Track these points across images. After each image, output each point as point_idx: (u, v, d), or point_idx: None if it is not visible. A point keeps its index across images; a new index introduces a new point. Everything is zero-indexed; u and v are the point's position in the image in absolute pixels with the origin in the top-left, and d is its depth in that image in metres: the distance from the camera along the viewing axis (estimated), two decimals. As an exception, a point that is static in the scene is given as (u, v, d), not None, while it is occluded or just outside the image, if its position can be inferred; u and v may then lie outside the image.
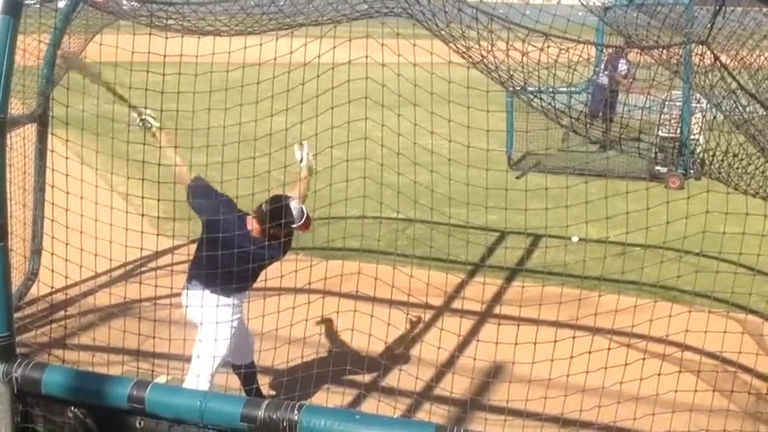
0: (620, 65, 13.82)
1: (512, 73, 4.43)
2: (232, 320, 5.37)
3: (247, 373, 5.80)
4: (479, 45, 4.31)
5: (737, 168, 4.46)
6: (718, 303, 6.33)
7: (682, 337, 5.48)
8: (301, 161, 5.64)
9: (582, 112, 4.67)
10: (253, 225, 5.38)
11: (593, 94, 12.58)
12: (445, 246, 7.11)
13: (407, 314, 6.53)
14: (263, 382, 6.10)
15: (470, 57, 4.47)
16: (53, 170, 5.43)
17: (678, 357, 5.70)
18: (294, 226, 5.37)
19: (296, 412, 2.34)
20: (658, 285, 6.76)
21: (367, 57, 5.34)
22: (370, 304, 5.69)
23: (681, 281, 6.34)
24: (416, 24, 4.77)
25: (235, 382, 5.77)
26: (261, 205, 5.36)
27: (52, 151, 5.73)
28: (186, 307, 5.41)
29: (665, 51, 4.34)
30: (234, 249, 5.05)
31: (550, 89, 4.51)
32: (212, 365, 5.27)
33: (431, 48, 4.97)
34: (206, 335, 5.27)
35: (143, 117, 5.53)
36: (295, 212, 5.36)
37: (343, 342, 6.57)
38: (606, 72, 13.27)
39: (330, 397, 5.43)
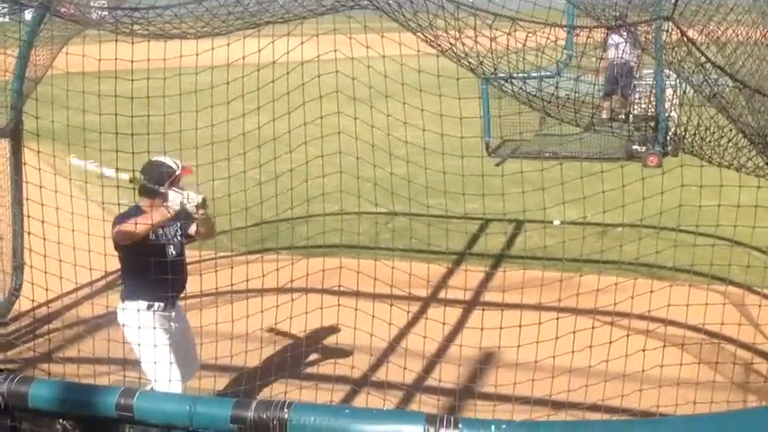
0: (621, 41, 13.69)
1: (481, 59, 4.44)
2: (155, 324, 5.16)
3: None
4: (447, 33, 4.32)
5: (710, 141, 4.50)
6: (699, 276, 6.39)
7: (664, 312, 5.52)
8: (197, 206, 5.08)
9: (553, 94, 4.67)
10: (145, 204, 5.21)
11: (607, 73, 12.45)
12: (426, 236, 7.13)
13: (391, 305, 6.54)
14: (252, 383, 6.08)
15: (439, 45, 4.47)
16: (27, 183, 5.38)
17: (662, 332, 5.75)
18: (177, 173, 5.20)
19: (285, 410, 2.34)
20: (638, 263, 6.81)
21: (336, 51, 5.34)
22: (353, 299, 5.69)
23: (660, 256, 6.39)
24: (384, 16, 4.76)
25: (208, 384, 5.71)
26: (141, 186, 5.15)
27: (25, 164, 5.68)
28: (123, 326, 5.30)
29: (633, 29, 4.37)
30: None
31: (522, 73, 4.52)
32: (171, 370, 5.10)
33: (399, 39, 4.97)
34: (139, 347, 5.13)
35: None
36: (169, 162, 5.22)
37: (329, 338, 6.57)
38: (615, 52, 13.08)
39: (319, 393, 5.44)
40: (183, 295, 5.48)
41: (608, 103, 12.55)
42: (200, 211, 5.02)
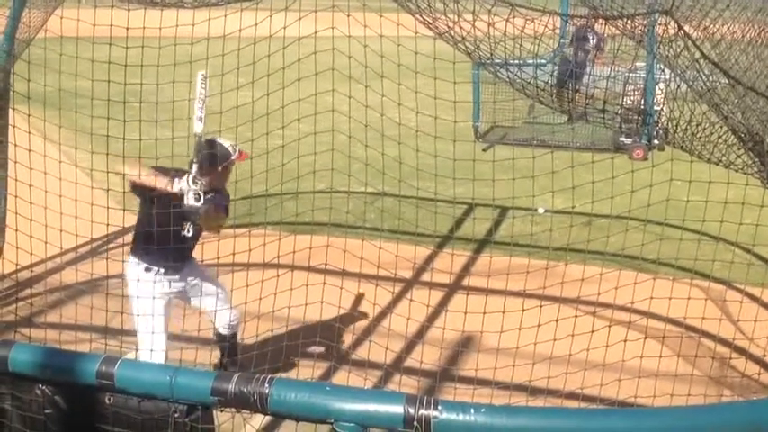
0: (589, 37, 13.83)
1: (478, 44, 4.43)
2: (154, 290, 5.22)
3: (223, 346, 5.77)
4: (446, 16, 4.31)
5: (701, 137, 4.52)
6: (682, 271, 6.44)
7: (646, 304, 5.57)
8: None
9: (547, 83, 4.68)
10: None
11: (560, 65, 12.59)
12: (414, 218, 7.13)
13: (376, 285, 6.56)
14: (234, 356, 6.10)
15: (437, 27, 4.46)
16: (15, 145, 5.35)
17: (643, 324, 5.80)
18: (233, 158, 5.23)
19: (266, 385, 2.34)
20: (623, 254, 6.84)
21: (333, 29, 5.31)
22: (339, 277, 5.70)
23: (645, 249, 6.43)
24: (383, -5, 4.75)
25: (202, 357, 5.76)
26: (194, 161, 4.97)
27: (14, 126, 5.64)
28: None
29: (629, 22, 4.37)
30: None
31: (517, 60, 4.52)
32: (156, 340, 5.14)
33: (398, 20, 4.95)
34: (133, 308, 5.25)
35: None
36: (227, 146, 5.23)
37: (313, 315, 6.59)
38: (573, 44, 13.26)
39: (300, 370, 5.46)
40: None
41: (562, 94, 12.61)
42: (197, 203, 4.90)
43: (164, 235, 4.95)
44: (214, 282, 5.63)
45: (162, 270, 5.26)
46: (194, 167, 4.86)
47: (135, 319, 5.23)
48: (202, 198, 4.83)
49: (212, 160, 5.10)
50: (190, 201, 4.82)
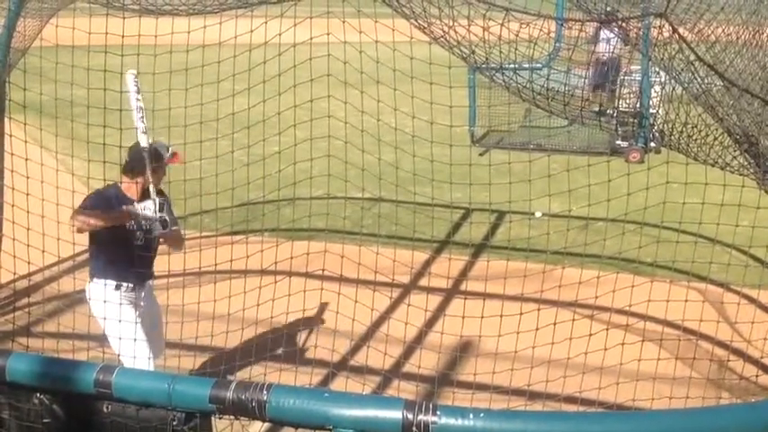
0: (609, 36, 13.74)
1: (473, 48, 4.44)
2: (122, 303, 5.10)
3: None
4: (441, 21, 4.31)
5: (697, 139, 4.52)
6: (679, 273, 6.44)
7: (644, 307, 5.57)
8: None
9: (543, 86, 4.68)
10: (125, 183, 5.12)
11: (594, 68, 12.48)
12: (411, 223, 7.14)
13: (374, 291, 6.56)
14: (232, 363, 6.09)
15: (432, 32, 4.47)
16: (11, 154, 5.34)
17: (641, 327, 5.80)
18: (166, 161, 5.13)
19: (264, 392, 2.34)
20: (620, 257, 6.85)
21: (328, 35, 5.32)
22: (336, 283, 5.70)
23: (642, 252, 6.43)
24: (378, 1, 4.75)
25: (187, 363, 5.71)
26: (126, 163, 5.04)
27: (10, 135, 5.64)
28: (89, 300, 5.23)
29: (624, 25, 4.38)
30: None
31: (513, 64, 4.53)
32: (136, 347, 4.98)
33: (393, 25, 4.96)
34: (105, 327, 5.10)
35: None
36: (159, 149, 5.11)
37: (311, 322, 6.59)
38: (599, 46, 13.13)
39: (299, 376, 5.45)
40: (150, 281, 5.40)
41: (597, 97, 12.59)
42: (160, 229, 4.88)
43: (119, 247, 4.88)
44: (159, 311, 5.50)
45: (130, 286, 5.11)
46: (151, 187, 4.84)
47: (109, 333, 5.07)
48: (163, 208, 4.84)
49: (142, 161, 4.94)
50: (147, 212, 4.82)
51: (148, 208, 4.85)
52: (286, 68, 5.25)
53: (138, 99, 4.98)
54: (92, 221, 4.86)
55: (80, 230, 4.95)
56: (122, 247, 4.93)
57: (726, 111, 4.37)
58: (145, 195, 4.95)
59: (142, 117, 4.97)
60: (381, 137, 5.92)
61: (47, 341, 5.69)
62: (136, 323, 5.04)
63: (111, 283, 5.09)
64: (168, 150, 5.16)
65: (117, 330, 4.96)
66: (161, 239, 5.15)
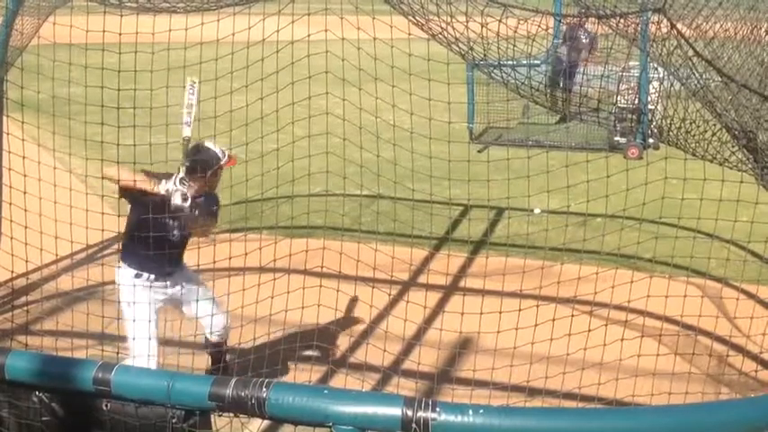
0: (581, 36, 13.83)
1: (472, 45, 4.44)
2: (145, 296, 5.22)
3: (213, 353, 5.76)
4: (439, 18, 4.31)
5: (695, 135, 4.53)
6: (678, 269, 6.44)
7: (643, 303, 5.57)
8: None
9: (541, 82, 4.69)
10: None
11: (552, 65, 12.59)
12: (410, 220, 7.14)
13: (373, 288, 6.56)
14: (231, 361, 6.09)
15: (430, 29, 4.47)
16: (9, 153, 5.34)
17: (640, 323, 5.80)
18: (222, 163, 5.23)
19: (264, 389, 2.34)
20: (619, 254, 6.85)
21: (326, 32, 5.31)
22: (335, 280, 5.70)
23: (641, 248, 6.44)
24: (375, -2, 4.76)
25: (188, 361, 5.71)
26: (183, 164, 5.09)
27: (8, 134, 5.63)
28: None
29: (621, 20, 4.38)
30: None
31: (511, 61, 4.53)
32: (148, 345, 5.12)
33: (391, 22, 4.96)
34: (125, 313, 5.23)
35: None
36: (217, 151, 5.23)
37: (310, 319, 6.59)
38: (566, 44, 13.28)
39: (298, 374, 5.45)
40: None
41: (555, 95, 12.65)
42: (184, 204, 4.96)
43: (150, 240, 4.94)
44: (205, 288, 5.62)
45: (152, 276, 5.24)
46: (182, 169, 4.89)
47: (126, 325, 5.20)
48: (189, 199, 4.90)
49: (202, 166, 5.11)
50: (176, 200, 4.87)
51: (179, 190, 4.94)
52: (284, 66, 5.24)
53: (191, 100, 5.10)
54: (127, 179, 4.96)
55: (120, 187, 5.03)
56: (156, 240, 4.97)
57: (724, 106, 4.37)
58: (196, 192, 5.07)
59: (190, 113, 5.08)
60: (380, 134, 5.91)
61: (45, 339, 5.69)
62: (150, 321, 5.14)
63: (133, 271, 5.21)
64: (225, 154, 5.26)
65: (132, 324, 5.07)
66: (191, 231, 5.27)
